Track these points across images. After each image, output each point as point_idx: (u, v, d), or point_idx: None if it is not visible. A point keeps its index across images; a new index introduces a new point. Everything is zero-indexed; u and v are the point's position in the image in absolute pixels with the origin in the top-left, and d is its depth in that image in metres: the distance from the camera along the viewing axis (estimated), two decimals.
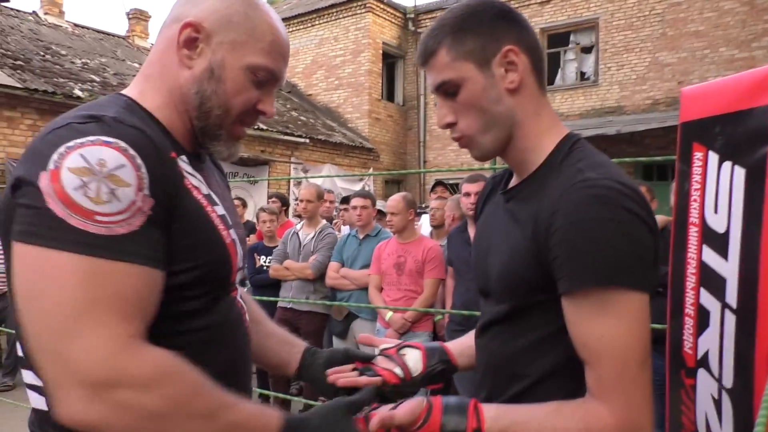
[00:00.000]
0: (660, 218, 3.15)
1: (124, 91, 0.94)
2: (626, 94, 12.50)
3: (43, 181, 0.75)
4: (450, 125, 1.01)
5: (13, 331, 4.53)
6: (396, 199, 3.98)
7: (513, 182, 1.09)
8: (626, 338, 0.84)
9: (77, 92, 9.18)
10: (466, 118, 0.99)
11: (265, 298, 4.26)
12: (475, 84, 0.96)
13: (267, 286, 4.63)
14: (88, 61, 11.17)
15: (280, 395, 4.04)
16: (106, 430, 0.74)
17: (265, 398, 4.80)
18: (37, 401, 0.87)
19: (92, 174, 0.75)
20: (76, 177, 0.75)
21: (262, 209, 5.12)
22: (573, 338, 0.89)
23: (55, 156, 0.76)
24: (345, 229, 5.10)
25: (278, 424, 0.85)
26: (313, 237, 4.54)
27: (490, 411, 0.90)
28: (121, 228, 0.76)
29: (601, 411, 0.84)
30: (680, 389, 1.37)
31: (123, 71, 11.55)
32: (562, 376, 0.95)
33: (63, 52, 11.02)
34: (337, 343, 4.38)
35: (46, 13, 12.62)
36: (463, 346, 1.21)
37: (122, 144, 0.79)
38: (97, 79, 10.36)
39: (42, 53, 10.40)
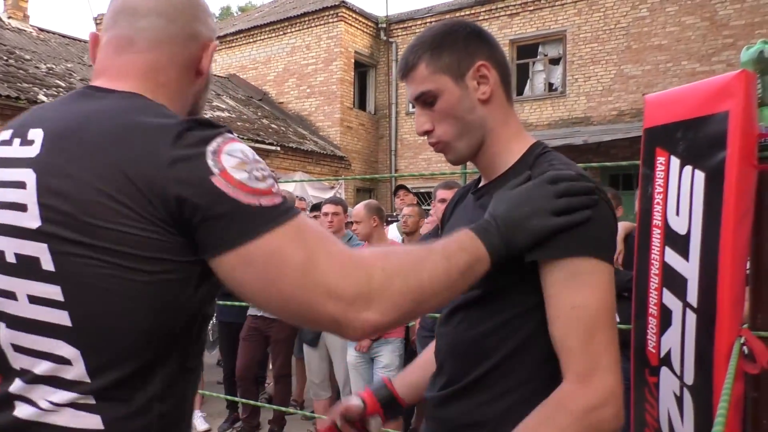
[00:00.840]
0: (626, 224, 3.24)
1: (122, 89, 0.90)
2: (593, 105, 12.78)
3: (222, 186, 0.77)
4: (428, 132, 1.11)
5: None
6: (358, 207, 3.99)
7: (482, 184, 1.18)
8: (597, 305, 0.93)
9: (42, 97, 8.99)
10: (442, 126, 1.09)
11: (236, 303, 4.22)
12: (451, 95, 1.07)
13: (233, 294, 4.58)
14: (54, 66, 10.95)
15: (251, 402, 4.00)
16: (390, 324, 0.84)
17: (233, 405, 4.74)
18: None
19: (246, 163, 0.80)
20: (241, 170, 0.79)
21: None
22: (548, 308, 0.96)
23: (209, 161, 0.78)
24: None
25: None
26: None
27: None
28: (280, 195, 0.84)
29: (574, 390, 0.90)
30: (644, 387, 1.41)
31: (89, 77, 11.30)
32: (525, 355, 1.01)
33: (27, 57, 10.78)
34: (309, 351, 4.35)
35: (9, 17, 12.34)
36: (407, 381, 1.30)
37: (233, 134, 0.85)
38: (63, 84, 10.16)
39: (5, 58, 10.15)
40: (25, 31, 12.34)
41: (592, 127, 12.55)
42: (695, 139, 1.25)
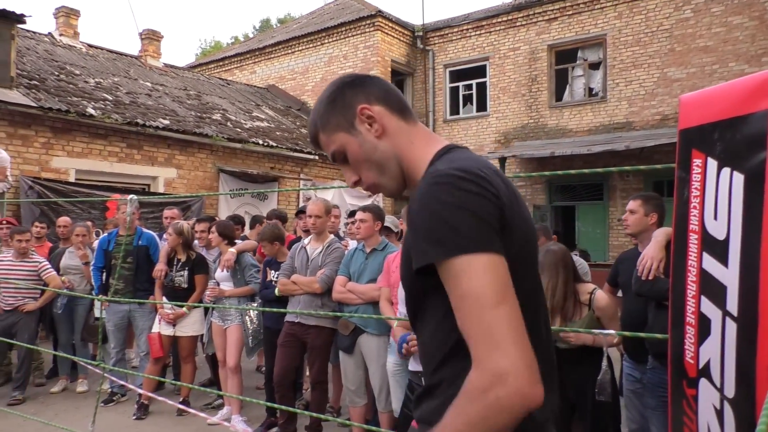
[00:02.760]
0: (667, 230, 3.12)
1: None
2: (635, 110, 12.48)
3: None
4: (357, 183, 1.23)
5: (26, 346, 4.56)
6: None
7: None
8: (476, 291, 0.93)
9: (90, 110, 9.31)
10: (362, 172, 1.21)
11: (274, 309, 4.26)
12: (352, 145, 1.19)
13: (275, 300, 4.63)
14: (102, 80, 11.33)
15: (288, 409, 4.02)
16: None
17: (272, 411, 4.78)
18: None
19: None
20: None
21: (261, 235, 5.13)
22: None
23: None
24: (352, 243, 5.10)
25: None
26: (321, 251, 4.54)
27: None
28: None
29: (471, 375, 0.92)
30: (682, 399, 1.35)
31: (135, 90, 11.71)
32: (460, 356, 1.02)
33: (77, 72, 11.20)
34: (344, 358, 4.36)
35: (61, 35, 12.85)
36: None
37: None
38: (110, 97, 10.51)
39: (57, 73, 10.57)
40: (75, 47, 12.83)
41: (634, 133, 12.25)
42: (733, 139, 1.20)
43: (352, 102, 1.18)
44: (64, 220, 6.61)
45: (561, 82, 13.84)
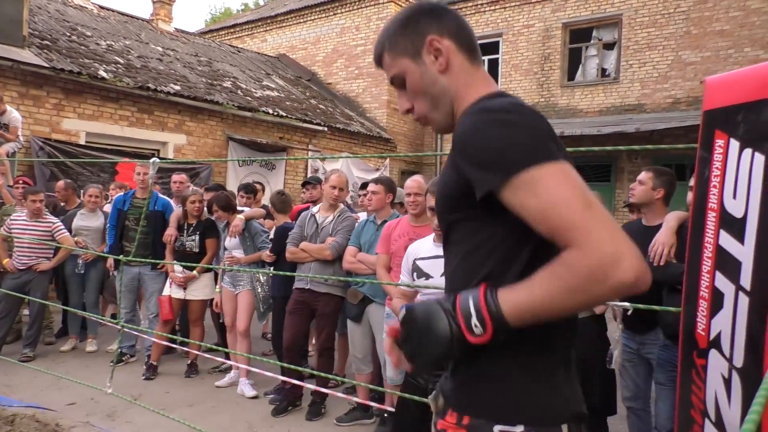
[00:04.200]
0: (678, 214, 3.16)
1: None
2: (647, 92, 12.40)
3: None
4: (409, 110, 1.24)
5: (38, 303, 4.64)
6: (418, 180, 3.95)
7: None
8: (562, 197, 0.92)
9: (102, 73, 9.30)
10: (417, 102, 1.22)
11: (288, 273, 4.32)
12: (413, 74, 1.19)
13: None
14: (113, 43, 11.29)
15: (299, 368, 4.10)
16: None
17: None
18: None
19: None
20: None
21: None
22: (533, 227, 0.96)
23: None
24: (362, 215, 5.15)
25: None
26: (332, 220, 4.59)
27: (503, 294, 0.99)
28: None
29: (572, 252, 0.90)
30: (691, 369, 1.41)
31: (146, 54, 11.67)
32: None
33: (88, 34, 11.15)
34: (352, 327, 4.44)
35: None
36: None
37: None
38: (121, 60, 10.48)
39: (68, 34, 10.53)
40: (86, 8, 12.75)
41: (645, 115, 12.20)
42: (757, 121, 1.24)
43: (424, 30, 1.17)
44: (59, 185, 6.67)
45: (574, 61, 13.73)
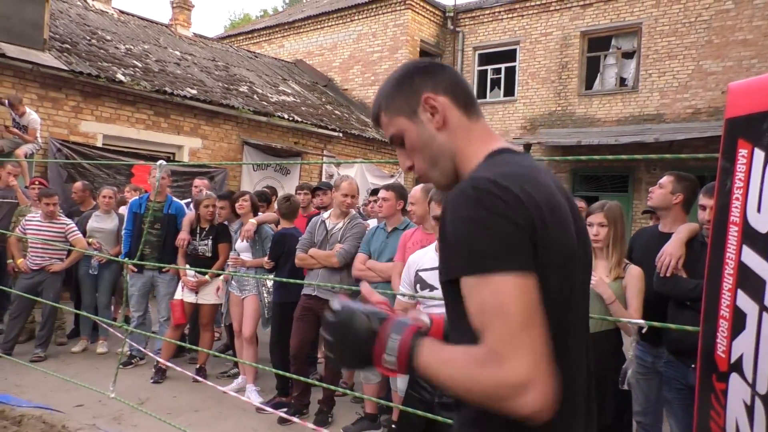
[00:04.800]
0: (690, 226, 3.07)
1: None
2: (666, 102, 12.23)
3: None
4: (410, 168, 1.23)
5: (51, 303, 4.65)
6: (416, 189, 3.94)
7: None
8: (502, 307, 0.92)
9: (120, 76, 9.38)
10: (416, 160, 1.21)
11: (291, 280, 4.28)
12: (411, 132, 1.18)
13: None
14: (132, 47, 11.39)
15: (301, 379, 4.06)
16: None
17: (283, 387, 4.83)
18: None
19: None
20: None
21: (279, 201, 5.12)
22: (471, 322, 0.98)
23: None
24: (371, 222, 5.10)
25: None
26: (342, 227, 4.55)
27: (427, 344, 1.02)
28: None
29: (492, 359, 0.91)
30: (710, 393, 1.33)
31: (164, 58, 11.75)
32: None
33: (108, 38, 11.27)
34: None
35: (94, 0, 12.92)
36: None
37: None
38: (140, 64, 10.56)
39: (88, 38, 10.65)
40: (107, 13, 12.89)
41: (664, 125, 12.03)
42: None
43: (419, 89, 1.18)
44: (77, 186, 6.71)
45: (592, 70, 13.60)
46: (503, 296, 0.92)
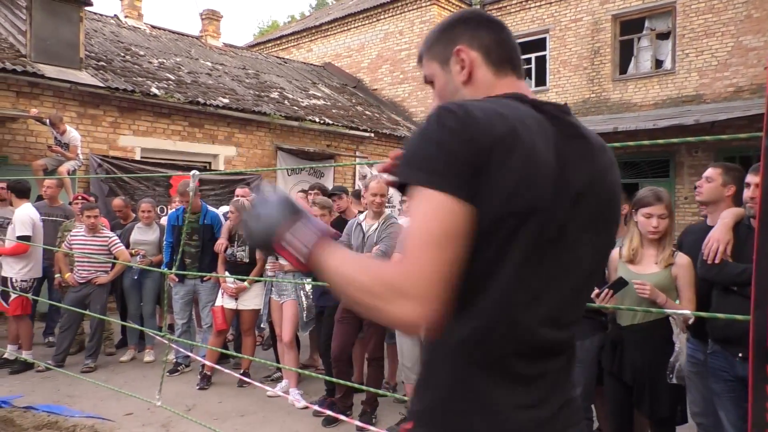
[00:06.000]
0: (735, 211, 2.94)
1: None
2: (706, 82, 11.83)
3: None
4: None
5: (98, 316, 4.77)
6: (380, 181, 3.95)
7: None
8: (424, 220, 0.93)
9: (154, 90, 9.60)
10: None
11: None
12: (439, 79, 1.21)
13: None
14: (164, 61, 11.65)
15: (341, 382, 4.06)
16: None
17: (330, 389, 4.85)
18: None
19: None
20: None
21: (314, 203, 5.12)
22: None
23: None
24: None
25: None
26: (377, 228, 4.54)
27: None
28: None
29: (393, 264, 0.94)
30: (765, 384, 1.27)
31: (196, 69, 11.98)
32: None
33: (141, 53, 11.54)
34: (400, 335, 4.37)
35: (126, 16, 13.26)
36: None
37: None
38: (172, 77, 10.79)
39: (122, 54, 10.93)
40: (139, 29, 13.22)
41: (704, 106, 11.64)
42: None
43: (456, 39, 1.18)
44: (117, 204, 6.87)
45: (626, 53, 13.26)
46: (428, 210, 0.92)
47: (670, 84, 12.32)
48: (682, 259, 2.98)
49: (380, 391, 4.26)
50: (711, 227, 3.03)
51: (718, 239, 2.80)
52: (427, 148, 0.96)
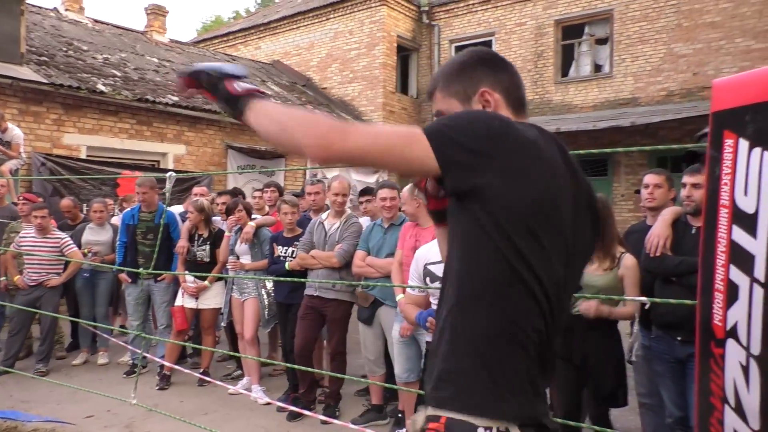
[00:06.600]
0: (674, 209, 3.25)
1: None
2: (640, 86, 12.50)
3: None
4: None
5: (49, 318, 4.70)
6: (404, 191, 4.07)
7: None
8: (391, 132, 1.13)
9: (101, 87, 9.36)
10: None
11: (293, 279, 4.39)
12: None
13: (282, 275, 4.73)
14: (109, 56, 11.34)
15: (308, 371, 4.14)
16: None
17: (293, 383, 4.93)
18: None
19: None
20: None
21: (284, 201, 5.20)
22: None
23: None
24: (364, 220, 5.20)
25: None
26: (339, 227, 4.66)
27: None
28: None
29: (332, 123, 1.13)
30: (709, 358, 1.48)
31: (143, 66, 11.71)
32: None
33: (85, 48, 11.20)
34: (364, 330, 4.51)
35: (66, 9, 12.81)
36: None
37: None
38: (119, 74, 10.53)
39: (65, 49, 10.58)
40: (81, 22, 12.79)
41: (639, 109, 12.29)
42: (764, 121, 1.31)
43: (479, 80, 1.26)
44: (66, 204, 6.70)
45: (567, 57, 13.83)
46: (407, 135, 1.10)
47: (608, 87, 12.94)
48: (629, 260, 3.24)
49: (362, 380, 4.38)
50: (650, 226, 3.33)
51: (658, 235, 3.09)
52: (461, 123, 1.10)
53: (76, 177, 8.31)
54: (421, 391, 2.89)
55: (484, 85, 1.26)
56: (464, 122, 1.10)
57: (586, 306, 3.11)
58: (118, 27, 13.85)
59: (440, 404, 1.11)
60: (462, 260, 1.13)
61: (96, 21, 13.41)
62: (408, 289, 3.44)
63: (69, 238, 5.83)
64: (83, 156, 9.17)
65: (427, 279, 3.18)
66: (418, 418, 1.16)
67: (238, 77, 1.35)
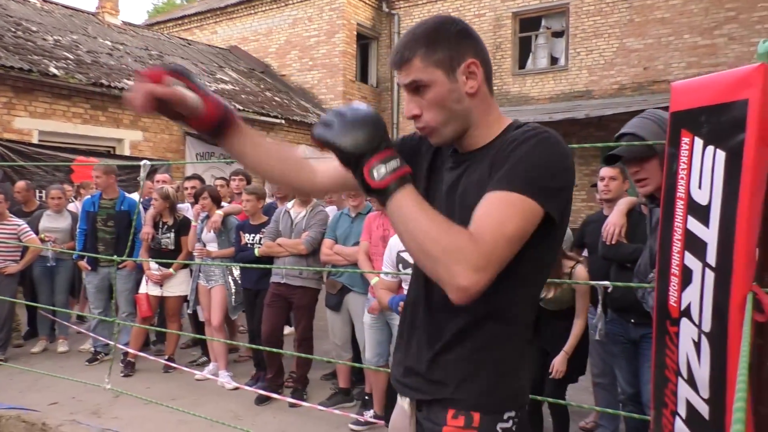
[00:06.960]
0: (629, 200, 3.45)
1: None
2: (594, 79, 12.88)
3: None
4: (416, 117, 1.27)
5: (6, 306, 4.62)
6: None
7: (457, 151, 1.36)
8: (506, 216, 1.09)
9: (53, 70, 9.07)
10: (430, 113, 1.25)
11: (260, 266, 4.44)
12: (442, 87, 1.22)
13: (250, 262, 4.78)
14: (60, 38, 10.96)
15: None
16: None
17: (260, 367, 4.99)
18: None
19: None
20: None
21: (245, 189, 5.22)
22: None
23: None
24: (330, 209, 5.27)
25: None
26: (305, 215, 4.72)
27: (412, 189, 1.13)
28: None
29: (471, 240, 1.06)
30: (665, 336, 1.64)
31: (95, 49, 11.38)
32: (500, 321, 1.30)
33: (34, 29, 10.80)
34: (332, 316, 4.60)
35: None
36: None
37: None
38: (71, 56, 10.21)
39: (13, 29, 10.18)
40: (29, 2, 12.30)
41: (593, 101, 12.68)
42: (718, 122, 1.45)
43: (467, 51, 1.23)
44: (20, 186, 6.54)
45: (524, 50, 14.11)
46: (518, 210, 1.10)
47: (564, 80, 13.29)
48: (581, 273, 3.42)
49: (330, 361, 4.46)
50: (607, 216, 3.53)
51: (614, 224, 3.29)
52: (558, 169, 1.16)
53: (30, 164, 8.07)
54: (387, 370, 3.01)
55: (472, 56, 1.24)
56: (547, 163, 1.16)
57: (558, 370, 3.32)
58: (68, 7, 13.38)
59: (467, 403, 1.27)
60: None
61: (45, 1, 12.91)
62: (382, 275, 3.54)
63: (26, 225, 5.70)
64: (35, 141, 8.89)
65: (400, 265, 3.29)
66: (436, 415, 1.30)
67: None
